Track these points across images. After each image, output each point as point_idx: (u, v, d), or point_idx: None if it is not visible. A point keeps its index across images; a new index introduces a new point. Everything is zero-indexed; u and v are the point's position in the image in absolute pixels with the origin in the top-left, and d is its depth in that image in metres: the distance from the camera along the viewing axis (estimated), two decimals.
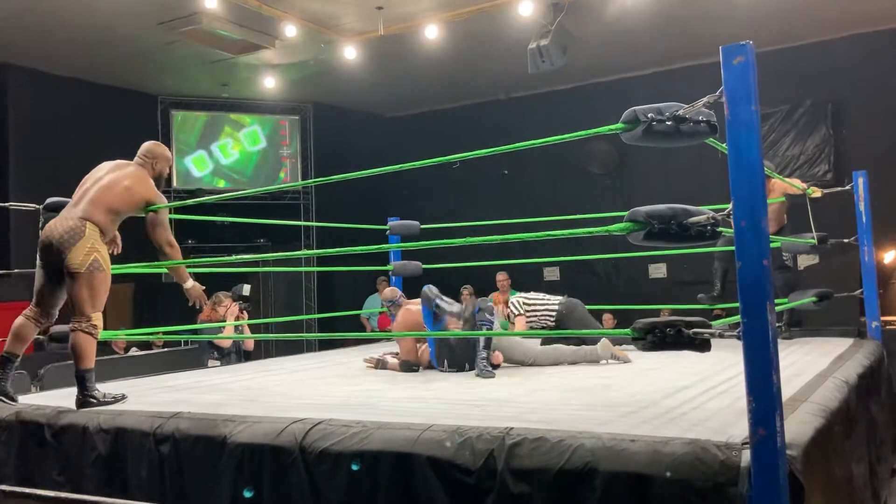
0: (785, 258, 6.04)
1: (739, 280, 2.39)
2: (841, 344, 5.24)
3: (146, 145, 4.29)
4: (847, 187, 5.82)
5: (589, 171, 10.92)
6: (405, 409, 3.42)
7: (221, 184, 11.50)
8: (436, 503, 2.71)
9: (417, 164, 3.87)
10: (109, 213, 4.03)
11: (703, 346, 2.60)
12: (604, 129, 2.96)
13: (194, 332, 6.69)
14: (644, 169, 10.28)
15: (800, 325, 6.28)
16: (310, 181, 10.15)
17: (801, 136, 9.57)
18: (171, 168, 4.29)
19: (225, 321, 6.75)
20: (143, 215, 4.19)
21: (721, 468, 2.34)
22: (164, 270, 10.57)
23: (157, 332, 6.82)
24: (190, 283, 4.34)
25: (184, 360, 7.18)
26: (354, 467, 2.82)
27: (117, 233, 4.21)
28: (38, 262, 4.08)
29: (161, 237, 4.17)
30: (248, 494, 2.95)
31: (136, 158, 4.25)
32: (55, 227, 3.95)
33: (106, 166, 4.19)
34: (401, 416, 3.13)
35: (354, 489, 2.85)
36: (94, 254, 3.92)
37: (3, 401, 3.93)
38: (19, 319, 4.06)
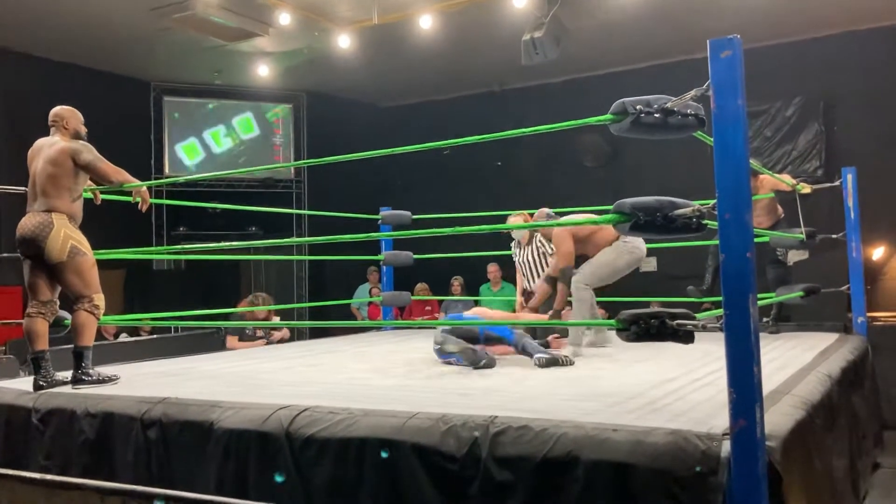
0: (779, 253, 6.07)
1: (723, 273, 2.42)
2: (827, 339, 5.29)
3: (54, 110, 4.26)
4: (836, 183, 5.86)
5: (581, 163, 10.93)
6: (391, 397, 3.43)
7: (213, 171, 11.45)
8: (420, 490, 2.73)
9: (409, 148, 3.88)
10: (62, 195, 4.07)
11: (686, 337, 2.63)
12: (592, 120, 2.98)
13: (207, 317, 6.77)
14: (637, 162, 10.28)
15: (789, 319, 6.32)
16: (302, 162, 10.09)
17: (792, 132, 9.59)
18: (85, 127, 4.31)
19: (258, 320, 7.03)
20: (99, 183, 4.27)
21: (701, 458, 2.37)
22: (156, 257, 10.66)
23: (175, 318, 6.88)
24: (143, 190, 4.35)
25: (174, 346, 7.19)
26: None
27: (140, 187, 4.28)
28: (21, 257, 4.13)
29: (104, 175, 4.17)
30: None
31: (50, 127, 4.24)
32: (26, 223, 4.05)
33: (35, 152, 4.20)
34: (387, 403, 3.15)
35: (340, 475, 2.87)
36: (69, 241, 4.01)
37: (51, 385, 3.95)
38: (26, 321, 4.11)
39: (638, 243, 5.26)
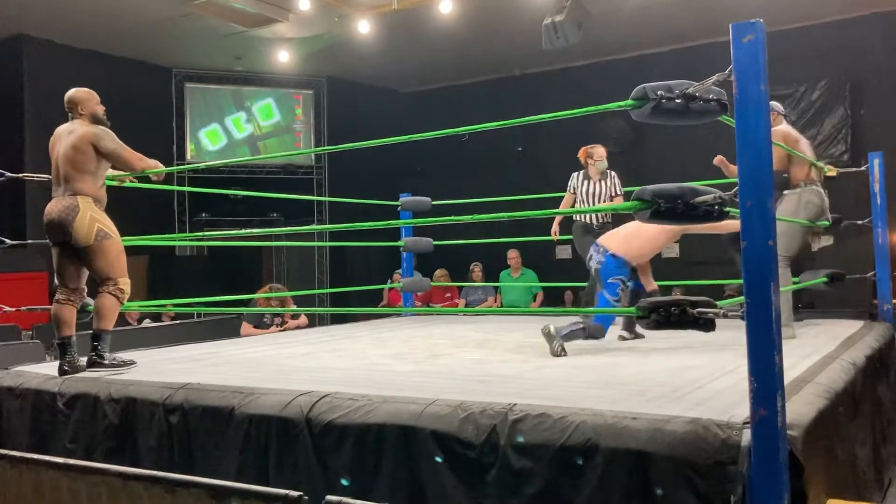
0: None
1: (744, 261, 2.39)
2: (851, 326, 5.21)
3: (67, 95, 4.21)
4: (863, 168, 5.76)
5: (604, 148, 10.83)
6: (410, 384, 3.44)
7: (234, 157, 11.52)
8: (439, 477, 2.74)
9: (428, 135, 3.86)
10: (87, 179, 4.06)
11: (707, 325, 2.60)
12: (612, 106, 2.95)
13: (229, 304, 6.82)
14: (660, 146, 10.18)
15: (812, 306, 6.25)
16: (322, 149, 10.15)
17: (817, 116, 9.46)
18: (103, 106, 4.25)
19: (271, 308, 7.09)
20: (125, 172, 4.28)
21: (721, 447, 2.35)
22: (179, 243, 10.76)
23: (195, 304, 6.95)
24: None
25: (196, 332, 7.26)
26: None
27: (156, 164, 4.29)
28: (49, 243, 4.15)
29: (127, 164, 4.16)
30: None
31: (68, 113, 4.21)
32: (52, 207, 4.06)
33: (55, 139, 4.19)
34: (406, 390, 3.16)
35: (359, 462, 2.89)
36: (95, 224, 4.01)
37: (75, 371, 3.99)
38: (54, 307, 4.15)
39: (815, 186, 4.87)
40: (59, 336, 4.10)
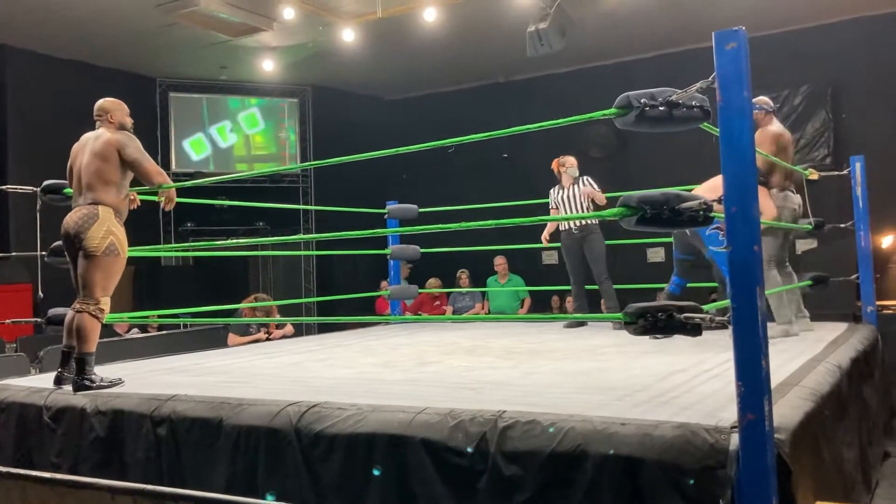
0: None
1: (730, 266, 2.41)
2: (836, 328, 5.26)
3: (98, 104, 4.20)
4: (845, 171, 5.82)
5: (588, 154, 10.88)
6: (400, 392, 3.44)
7: (220, 167, 11.48)
8: (429, 485, 2.74)
9: (414, 147, 3.87)
10: (110, 189, 4.00)
11: (694, 330, 2.62)
12: (597, 115, 2.97)
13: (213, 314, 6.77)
14: (644, 153, 10.24)
15: None
16: (308, 164, 10.14)
17: (800, 120, 9.53)
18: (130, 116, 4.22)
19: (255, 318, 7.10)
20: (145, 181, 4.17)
21: (710, 451, 2.37)
22: (164, 254, 10.69)
23: (180, 314, 6.86)
24: (172, 191, 4.29)
25: (183, 342, 7.22)
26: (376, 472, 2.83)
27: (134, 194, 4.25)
28: (66, 256, 4.09)
29: (147, 175, 4.08)
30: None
31: (96, 121, 4.18)
32: (70, 217, 3.99)
33: (80, 146, 4.15)
34: (396, 398, 3.16)
35: (349, 471, 2.88)
36: (110, 237, 3.94)
37: (60, 388, 3.93)
38: (69, 314, 4.05)
39: (785, 192, 5.01)
40: (67, 344, 4.02)
